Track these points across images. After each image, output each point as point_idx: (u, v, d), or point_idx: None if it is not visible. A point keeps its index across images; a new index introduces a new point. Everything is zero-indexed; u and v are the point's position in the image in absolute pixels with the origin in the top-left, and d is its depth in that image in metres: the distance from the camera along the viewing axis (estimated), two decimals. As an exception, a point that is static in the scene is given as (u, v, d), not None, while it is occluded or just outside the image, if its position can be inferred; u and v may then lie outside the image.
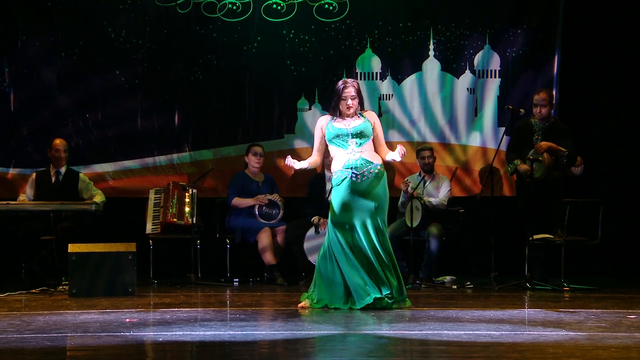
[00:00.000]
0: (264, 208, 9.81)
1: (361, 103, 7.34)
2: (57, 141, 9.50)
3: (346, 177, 7.17)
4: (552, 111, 9.41)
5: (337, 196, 7.21)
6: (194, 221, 9.45)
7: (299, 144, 10.42)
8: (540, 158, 8.95)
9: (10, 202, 8.99)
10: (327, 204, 7.86)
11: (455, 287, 9.11)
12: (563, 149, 9.01)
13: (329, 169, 8.02)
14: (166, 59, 10.46)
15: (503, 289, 8.66)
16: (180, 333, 5.72)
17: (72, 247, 8.20)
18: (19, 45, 10.32)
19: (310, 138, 9.88)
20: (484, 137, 10.44)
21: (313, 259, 8.96)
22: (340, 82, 7.32)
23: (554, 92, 9.84)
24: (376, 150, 7.33)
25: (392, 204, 9.57)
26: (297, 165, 7.30)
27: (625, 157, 10.35)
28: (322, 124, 7.34)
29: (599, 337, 5.55)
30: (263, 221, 9.76)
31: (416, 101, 10.48)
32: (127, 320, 6.43)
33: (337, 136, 7.24)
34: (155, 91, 10.44)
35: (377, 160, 7.26)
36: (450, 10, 10.46)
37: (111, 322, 6.28)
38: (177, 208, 9.64)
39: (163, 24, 10.44)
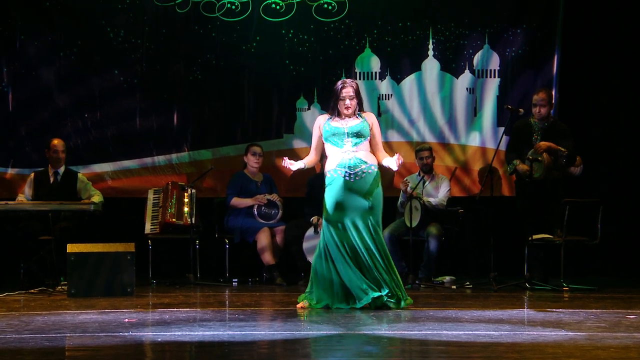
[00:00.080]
0: (263, 208, 9.80)
1: (360, 104, 7.33)
2: (55, 141, 9.48)
3: (339, 176, 7.16)
4: (552, 111, 9.40)
5: (330, 195, 7.20)
6: (193, 221, 9.44)
7: (297, 143, 10.41)
8: (539, 158, 8.94)
9: (9, 202, 8.98)
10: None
11: (454, 287, 9.11)
12: (562, 149, 9.00)
13: (328, 169, 8.02)
14: (165, 59, 10.45)
15: (502, 289, 8.65)
16: (179, 333, 5.71)
17: (71, 247, 8.18)
18: (18, 45, 10.31)
19: (309, 138, 9.81)
20: (483, 137, 10.43)
21: (312, 259, 8.94)
22: (339, 82, 7.32)
23: (553, 92, 9.83)
24: (373, 152, 7.32)
25: (391, 204, 9.64)
26: (295, 166, 7.30)
27: (625, 157, 10.34)
28: (320, 123, 7.34)
29: (599, 337, 5.54)
30: (262, 221, 9.75)
31: (415, 101, 10.48)
32: (126, 320, 6.42)
33: (334, 135, 7.23)
34: (154, 91, 10.44)
35: (372, 161, 7.25)
36: (450, 10, 10.46)
37: (110, 322, 6.27)
38: (176, 208, 9.63)
39: (162, 24, 10.44)
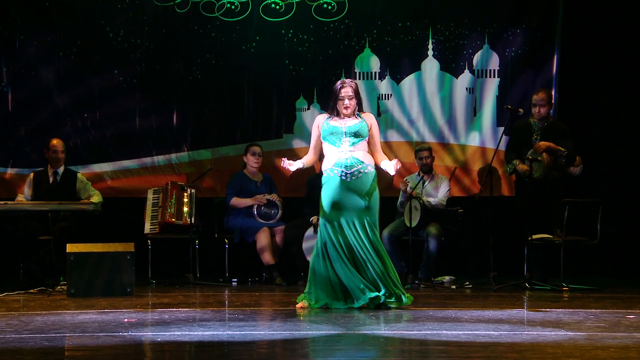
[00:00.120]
0: (262, 208, 9.80)
1: (359, 104, 7.32)
2: (55, 142, 9.47)
3: (335, 176, 7.16)
4: (551, 111, 9.40)
5: (326, 194, 7.20)
6: (193, 221, 9.43)
7: (297, 143, 10.41)
8: (539, 158, 8.94)
9: (8, 202, 8.98)
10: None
11: (454, 287, 9.11)
12: (562, 149, 8.99)
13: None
14: (164, 59, 10.45)
15: (502, 289, 8.65)
16: (179, 333, 5.71)
17: (70, 247, 8.18)
18: (17, 45, 10.31)
19: (308, 138, 9.75)
20: (482, 137, 10.43)
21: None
22: (338, 82, 7.32)
23: (552, 92, 9.82)
24: (371, 153, 7.31)
25: (391, 204, 9.64)
26: (293, 166, 7.29)
27: (624, 157, 10.34)
28: (319, 122, 7.34)
29: (598, 337, 5.54)
30: (262, 221, 9.75)
31: (415, 101, 10.47)
32: (126, 320, 6.41)
33: (332, 134, 7.23)
34: (153, 91, 10.43)
35: (369, 161, 7.24)
36: (450, 10, 10.46)
37: (109, 322, 6.26)
38: (176, 208, 9.63)
39: (161, 24, 10.43)
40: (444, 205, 9.61)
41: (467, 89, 10.45)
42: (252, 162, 9.91)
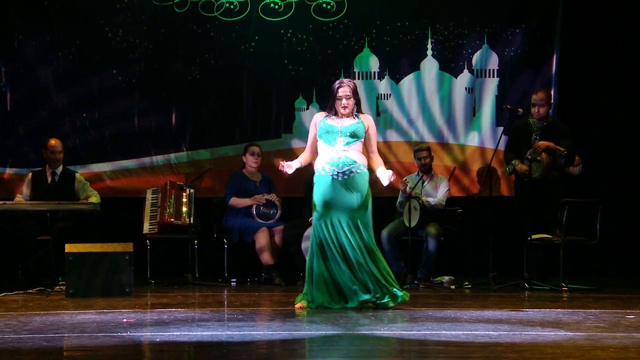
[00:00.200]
0: (261, 208, 9.79)
1: (358, 104, 7.31)
2: (53, 142, 9.45)
3: (327, 174, 7.15)
4: (551, 111, 9.39)
5: (318, 193, 7.19)
6: (192, 221, 9.42)
7: (296, 143, 10.40)
8: (538, 158, 8.93)
9: (7, 202, 8.97)
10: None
11: (453, 287, 9.10)
12: (561, 149, 8.98)
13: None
14: (163, 58, 10.45)
15: (501, 289, 8.65)
16: (178, 333, 5.70)
17: (69, 247, 8.17)
18: (16, 44, 10.30)
19: (307, 137, 9.85)
20: (482, 137, 10.43)
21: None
22: (337, 82, 7.32)
23: (552, 92, 9.82)
24: (367, 155, 7.31)
25: (390, 204, 9.63)
26: (292, 168, 7.28)
27: (624, 157, 10.34)
28: (317, 120, 7.34)
29: (598, 337, 5.54)
30: (261, 221, 9.74)
31: (414, 101, 10.47)
32: (125, 320, 6.40)
33: (327, 132, 7.22)
34: (152, 90, 10.43)
35: (362, 161, 7.23)
36: (449, 10, 10.46)
37: (108, 323, 6.25)
38: (175, 208, 9.62)
39: (160, 23, 10.43)
40: (443, 205, 9.60)
41: (466, 88, 10.45)
42: (251, 162, 9.90)
